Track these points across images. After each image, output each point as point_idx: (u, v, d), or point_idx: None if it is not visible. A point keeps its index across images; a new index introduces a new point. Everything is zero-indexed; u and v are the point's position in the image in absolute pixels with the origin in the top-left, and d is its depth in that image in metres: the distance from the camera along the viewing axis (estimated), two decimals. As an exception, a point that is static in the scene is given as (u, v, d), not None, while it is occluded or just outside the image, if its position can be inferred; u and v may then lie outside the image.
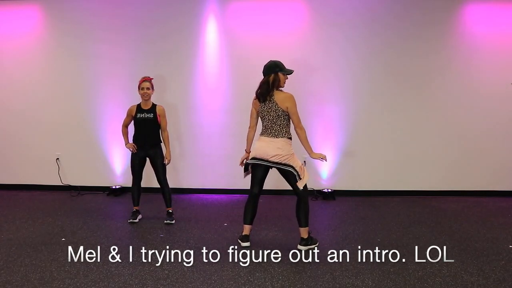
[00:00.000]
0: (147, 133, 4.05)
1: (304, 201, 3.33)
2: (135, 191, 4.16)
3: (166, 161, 4.10)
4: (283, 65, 3.35)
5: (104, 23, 5.18)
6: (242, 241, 3.43)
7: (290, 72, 3.36)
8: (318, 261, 3.12)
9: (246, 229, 3.45)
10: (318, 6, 5.03)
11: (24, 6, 5.29)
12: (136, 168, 4.10)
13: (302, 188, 3.31)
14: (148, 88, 4.01)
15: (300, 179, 3.29)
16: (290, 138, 3.35)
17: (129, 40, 5.19)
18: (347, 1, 5.00)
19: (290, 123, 3.36)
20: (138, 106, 4.08)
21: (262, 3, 5.06)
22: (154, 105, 4.10)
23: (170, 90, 5.19)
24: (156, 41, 5.15)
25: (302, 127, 3.32)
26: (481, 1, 4.97)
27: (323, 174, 5.23)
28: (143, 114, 4.04)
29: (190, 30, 5.13)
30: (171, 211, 4.17)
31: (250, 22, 5.08)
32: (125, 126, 4.17)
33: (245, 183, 5.28)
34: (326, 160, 3.45)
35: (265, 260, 3.14)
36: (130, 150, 4.09)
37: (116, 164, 5.39)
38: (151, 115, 4.05)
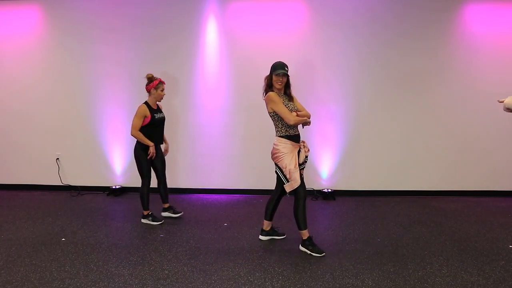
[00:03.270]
0: (162, 132, 4.13)
1: (302, 202, 3.26)
2: (147, 192, 4.08)
3: (166, 154, 4.27)
4: (274, 65, 3.30)
5: (104, 23, 5.18)
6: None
7: (275, 72, 3.25)
8: (318, 261, 3.12)
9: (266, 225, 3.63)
10: (318, 6, 5.02)
11: (24, 6, 5.29)
12: (149, 169, 4.06)
13: (288, 191, 3.28)
14: (163, 90, 4.07)
15: (288, 181, 3.27)
16: (282, 137, 3.29)
17: (129, 40, 5.19)
18: (347, 1, 5.00)
19: (283, 122, 3.27)
20: (149, 106, 3.98)
21: (262, 3, 5.06)
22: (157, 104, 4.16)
23: (170, 90, 5.19)
24: (156, 41, 5.16)
25: (294, 120, 3.20)
26: (481, 1, 4.97)
27: (323, 174, 5.24)
28: (159, 114, 4.04)
29: (190, 30, 5.13)
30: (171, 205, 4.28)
31: (250, 22, 5.08)
32: (139, 129, 3.94)
33: (245, 183, 5.32)
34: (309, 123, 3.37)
35: (265, 260, 3.14)
36: (150, 155, 3.94)
37: (116, 164, 5.39)
38: (163, 114, 4.13)
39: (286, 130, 3.28)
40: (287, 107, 3.25)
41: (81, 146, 5.39)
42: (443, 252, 3.29)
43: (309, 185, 5.07)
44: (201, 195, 5.26)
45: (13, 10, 5.31)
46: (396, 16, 4.98)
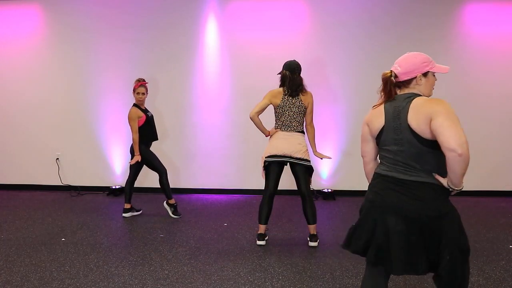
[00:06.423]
0: (155, 129, 4.26)
1: (311, 199, 3.41)
2: (167, 182, 4.24)
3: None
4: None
5: (104, 23, 5.18)
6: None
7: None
8: (318, 261, 3.12)
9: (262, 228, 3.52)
10: (318, 5, 5.02)
11: (24, 5, 5.29)
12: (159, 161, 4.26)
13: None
14: (143, 93, 4.14)
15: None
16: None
17: (129, 40, 5.19)
18: (347, 1, 4.99)
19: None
20: (139, 108, 4.14)
21: (262, 3, 5.06)
22: None
23: (170, 90, 5.19)
24: (156, 40, 5.15)
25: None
26: (480, 1, 4.97)
27: (323, 174, 5.23)
28: (149, 113, 4.22)
29: (190, 30, 5.13)
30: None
31: (250, 22, 5.08)
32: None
33: (245, 183, 5.32)
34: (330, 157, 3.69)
35: (265, 260, 3.14)
36: (134, 162, 4.09)
37: (116, 164, 5.39)
38: (151, 113, 4.29)
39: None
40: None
41: (81, 146, 5.39)
42: (443, 252, 3.28)
43: (309, 185, 5.07)
44: (201, 195, 5.25)
45: (13, 10, 5.31)
46: (396, 16, 4.98)
